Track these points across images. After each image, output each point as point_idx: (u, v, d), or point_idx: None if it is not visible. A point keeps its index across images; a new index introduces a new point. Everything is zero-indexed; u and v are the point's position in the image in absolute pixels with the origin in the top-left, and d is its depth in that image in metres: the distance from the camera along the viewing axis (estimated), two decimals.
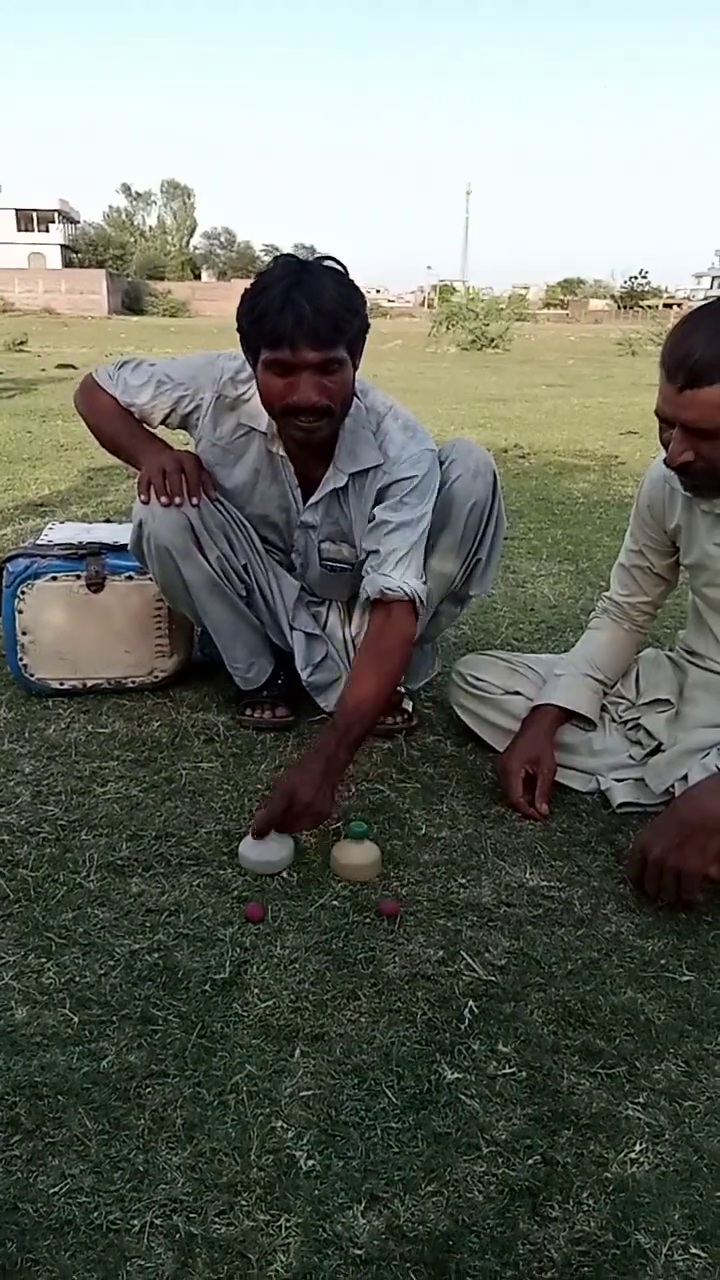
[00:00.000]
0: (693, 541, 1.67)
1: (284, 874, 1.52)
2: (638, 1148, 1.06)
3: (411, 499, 1.79)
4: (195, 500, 1.82)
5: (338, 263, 1.70)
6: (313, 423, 1.69)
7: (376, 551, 1.78)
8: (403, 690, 2.07)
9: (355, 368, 1.70)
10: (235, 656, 2.01)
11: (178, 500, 1.81)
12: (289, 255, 1.71)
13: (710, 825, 1.39)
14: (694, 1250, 0.95)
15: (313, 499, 1.87)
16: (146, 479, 1.82)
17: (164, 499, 1.80)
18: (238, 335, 1.72)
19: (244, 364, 1.85)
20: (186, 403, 1.89)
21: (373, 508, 1.82)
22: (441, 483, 1.85)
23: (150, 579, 2.04)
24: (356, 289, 1.68)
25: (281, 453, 1.85)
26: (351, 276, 1.69)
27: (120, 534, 2.27)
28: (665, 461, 1.49)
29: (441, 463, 1.86)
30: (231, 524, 1.91)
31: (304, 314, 1.59)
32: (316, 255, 1.70)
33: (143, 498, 1.82)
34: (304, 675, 2.01)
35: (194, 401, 1.89)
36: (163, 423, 1.93)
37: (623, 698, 1.86)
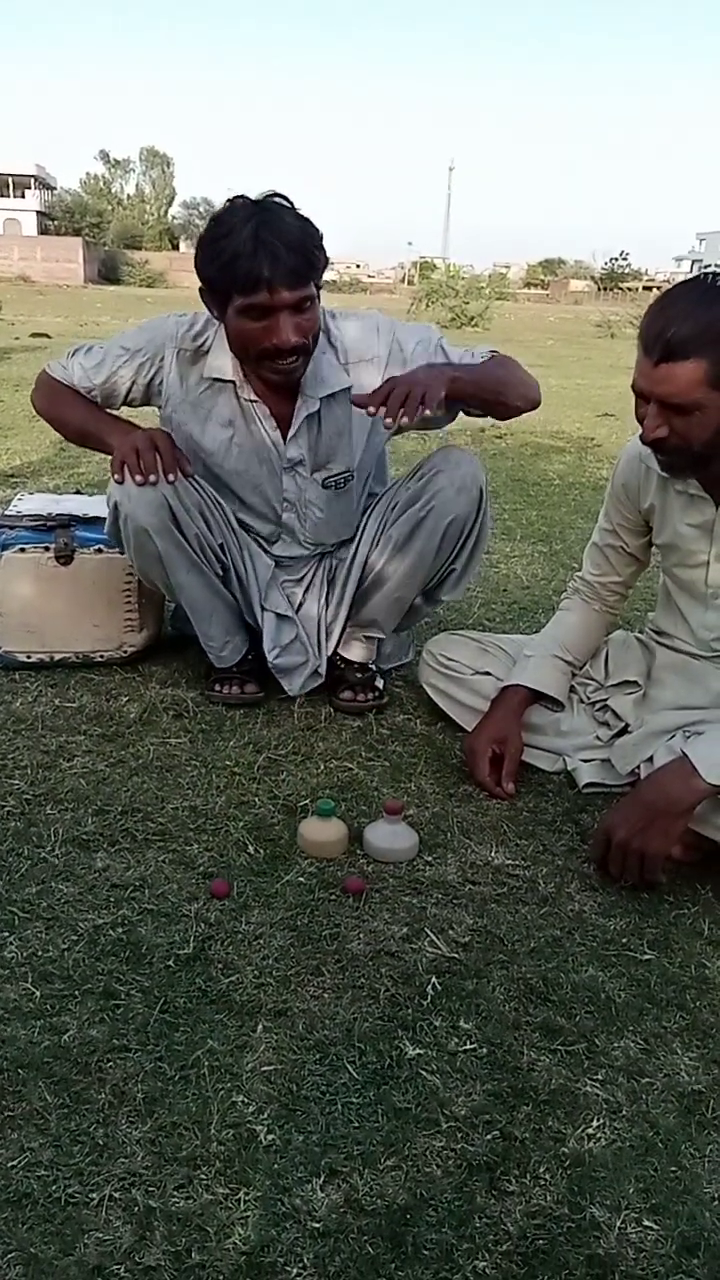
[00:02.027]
0: (665, 521, 1.67)
1: (251, 849, 1.52)
2: (595, 1123, 1.07)
3: (400, 337, 1.85)
4: (171, 477, 1.78)
5: (285, 199, 1.69)
6: (292, 363, 1.71)
7: (412, 353, 1.83)
8: (374, 669, 2.07)
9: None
10: (210, 635, 2.00)
11: (152, 478, 1.77)
12: (241, 196, 1.68)
13: (674, 808, 1.41)
14: (647, 1223, 0.96)
15: (291, 433, 1.86)
16: (120, 458, 1.78)
17: (138, 477, 1.76)
18: (200, 279, 1.69)
19: (195, 317, 1.85)
20: (149, 368, 1.87)
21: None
22: (423, 494, 1.84)
23: (120, 552, 2.02)
24: (313, 222, 1.68)
25: (252, 397, 1.84)
26: (316, 226, 1.69)
27: (90, 506, 2.25)
28: (640, 437, 1.49)
29: (426, 472, 1.86)
30: (208, 502, 1.89)
31: (279, 254, 1.58)
32: (265, 193, 1.68)
33: (117, 477, 1.79)
34: (270, 657, 1.99)
35: (155, 364, 1.87)
36: (126, 399, 1.91)
37: (591, 679, 1.87)
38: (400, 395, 1.60)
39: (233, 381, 1.83)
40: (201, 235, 1.68)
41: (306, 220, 1.67)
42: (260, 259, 1.58)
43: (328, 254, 1.70)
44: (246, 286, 1.61)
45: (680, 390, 1.38)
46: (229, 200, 1.69)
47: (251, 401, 1.84)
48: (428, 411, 1.62)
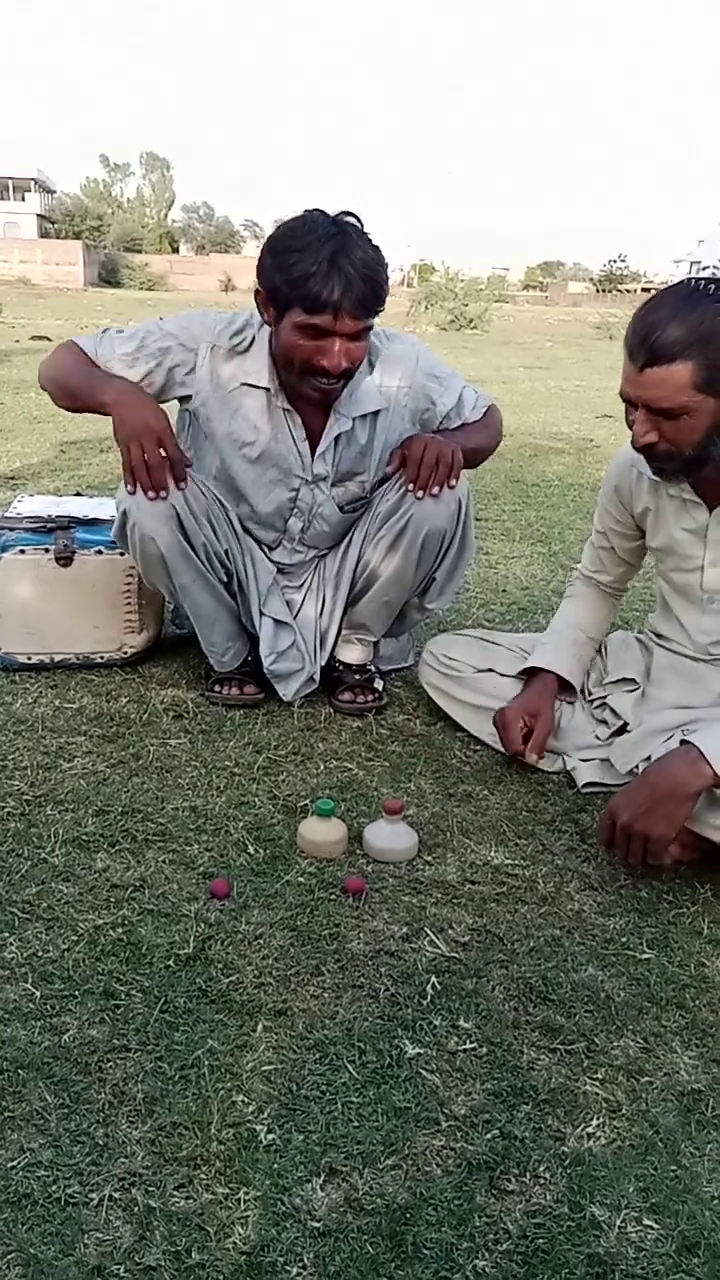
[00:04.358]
0: (660, 525, 1.68)
1: (250, 850, 1.52)
2: (594, 1122, 1.07)
3: (434, 374, 1.93)
4: (182, 484, 1.77)
5: (359, 220, 1.69)
6: (332, 384, 1.73)
7: (444, 413, 1.93)
8: (372, 670, 2.07)
9: None
10: (212, 641, 2.00)
11: (164, 494, 1.75)
12: (318, 211, 1.68)
13: (679, 793, 1.40)
14: (647, 1222, 0.96)
15: (320, 449, 1.88)
16: (129, 464, 1.74)
17: (151, 494, 1.75)
18: (258, 284, 1.69)
19: (234, 316, 1.85)
20: (182, 369, 1.84)
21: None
22: (401, 504, 1.85)
23: (122, 554, 2.03)
24: (382, 252, 1.68)
25: (286, 406, 1.84)
26: (384, 258, 1.69)
27: (91, 508, 2.25)
28: (631, 444, 1.50)
29: (406, 482, 1.85)
30: (214, 506, 1.88)
31: (352, 283, 1.60)
32: (340, 212, 1.68)
33: (129, 488, 1.76)
34: (266, 662, 1.99)
35: (188, 364, 1.84)
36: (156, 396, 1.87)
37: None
38: (430, 463, 1.78)
39: (267, 389, 1.83)
40: (272, 241, 1.67)
41: (378, 250, 1.67)
42: (333, 283, 1.59)
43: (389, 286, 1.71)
44: (312, 306, 1.61)
45: (667, 394, 1.38)
46: (307, 211, 1.68)
47: (286, 410, 1.85)
48: (452, 483, 1.78)
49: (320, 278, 1.59)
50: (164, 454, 1.75)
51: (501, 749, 1.81)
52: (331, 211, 1.69)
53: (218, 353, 1.84)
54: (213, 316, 1.87)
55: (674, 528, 1.65)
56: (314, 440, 1.88)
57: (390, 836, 1.52)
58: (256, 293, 1.72)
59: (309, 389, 1.75)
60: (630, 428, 1.47)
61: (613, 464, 1.76)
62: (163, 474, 1.76)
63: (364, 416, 1.87)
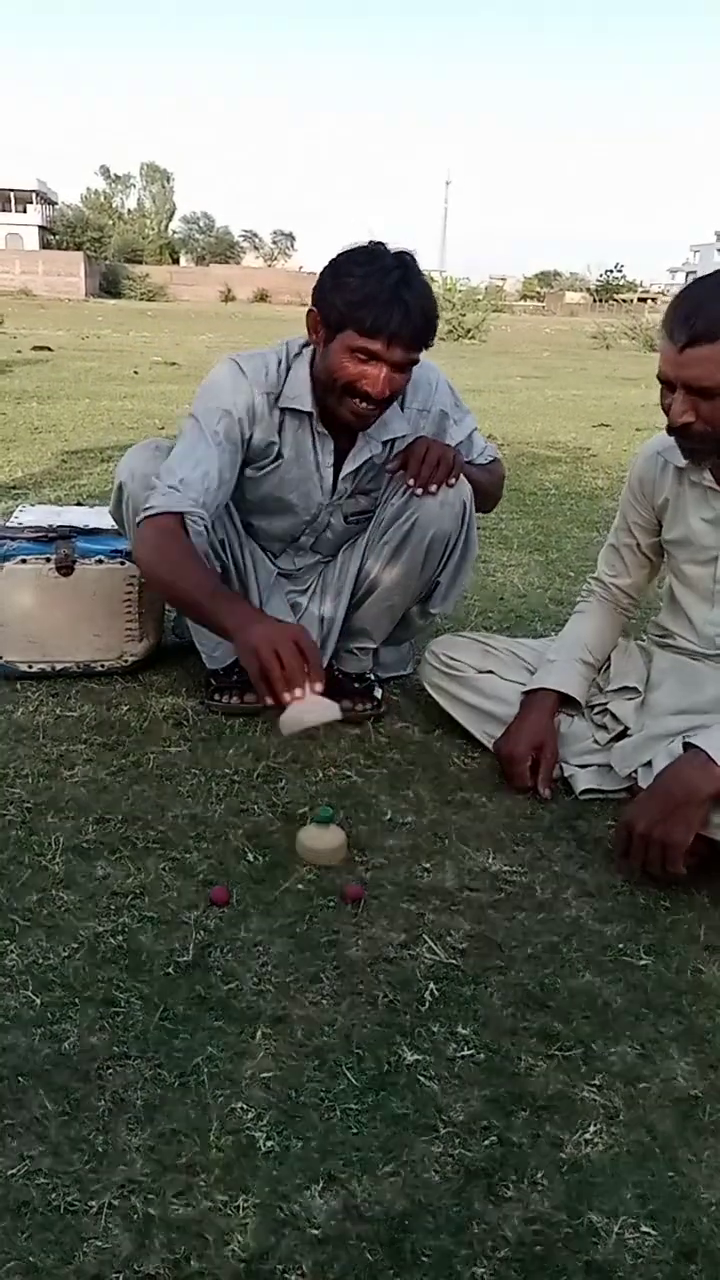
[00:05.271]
0: (678, 516, 1.70)
1: (250, 857, 1.53)
2: (592, 1129, 1.07)
3: (451, 405, 1.93)
4: (319, 687, 1.47)
5: (413, 257, 1.72)
6: (370, 409, 1.74)
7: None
8: (372, 678, 2.08)
9: None
10: (203, 633, 2.00)
11: (298, 693, 1.44)
12: (379, 244, 1.71)
13: (694, 797, 1.42)
14: (645, 1228, 0.96)
15: (345, 471, 1.89)
16: (260, 667, 1.44)
17: (288, 696, 1.44)
18: (312, 304, 1.71)
19: (264, 360, 1.83)
20: (248, 425, 1.81)
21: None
22: (407, 508, 1.85)
23: (122, 564, 2.03)
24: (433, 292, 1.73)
25: (321, 429, 1.85)
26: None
27: (91, 518, 2.27)
28: (667, 427, 1.52)
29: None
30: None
31: (412, 315, 1.63)
32: (398, 250, 1.70)
33: (268, 699, 1.46)
34: None
35: (250, 422, 1.81)
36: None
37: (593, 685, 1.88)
38: (432, 462, 1.78)
39: (310, 413, 1.83)
40: (334, 265, 1.69)
41: (431, 289, 1.70)
42: (393, 312, 1.61)
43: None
44: (368, 330, 1.63)
45: (707, 373, 1.41)
46: (372, 242, 1.71)
47: (322, 434, 1.86)
48: (452, 481, 1.79)
49: (381, 304, 1.61)
50: (301, 652, 1.46)
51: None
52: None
53: (269, 399, 1.82)
54: (251, 368, 1.80)
55: (693, 517, 1.67)
56: (338, 461, 1.89)
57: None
58: (310, 312, 1.73)
59: (346, 412, 1.75)
60: (666, 411, 1.50)
61: (637, 458, 1.80)
62: (299, 670, 1.44)
63: (390, 440, 1.88)
